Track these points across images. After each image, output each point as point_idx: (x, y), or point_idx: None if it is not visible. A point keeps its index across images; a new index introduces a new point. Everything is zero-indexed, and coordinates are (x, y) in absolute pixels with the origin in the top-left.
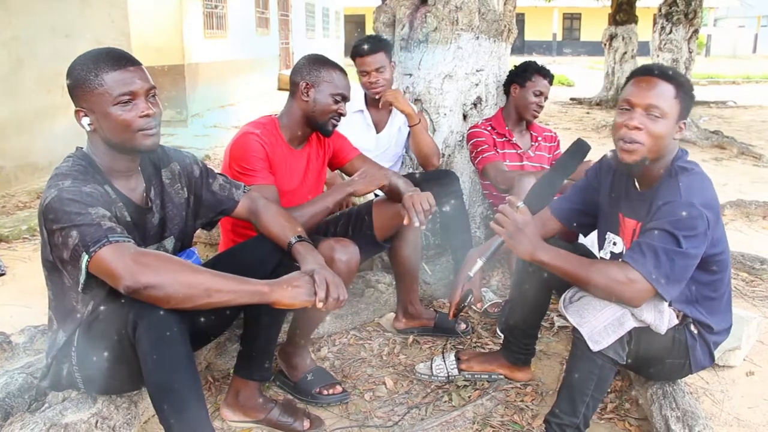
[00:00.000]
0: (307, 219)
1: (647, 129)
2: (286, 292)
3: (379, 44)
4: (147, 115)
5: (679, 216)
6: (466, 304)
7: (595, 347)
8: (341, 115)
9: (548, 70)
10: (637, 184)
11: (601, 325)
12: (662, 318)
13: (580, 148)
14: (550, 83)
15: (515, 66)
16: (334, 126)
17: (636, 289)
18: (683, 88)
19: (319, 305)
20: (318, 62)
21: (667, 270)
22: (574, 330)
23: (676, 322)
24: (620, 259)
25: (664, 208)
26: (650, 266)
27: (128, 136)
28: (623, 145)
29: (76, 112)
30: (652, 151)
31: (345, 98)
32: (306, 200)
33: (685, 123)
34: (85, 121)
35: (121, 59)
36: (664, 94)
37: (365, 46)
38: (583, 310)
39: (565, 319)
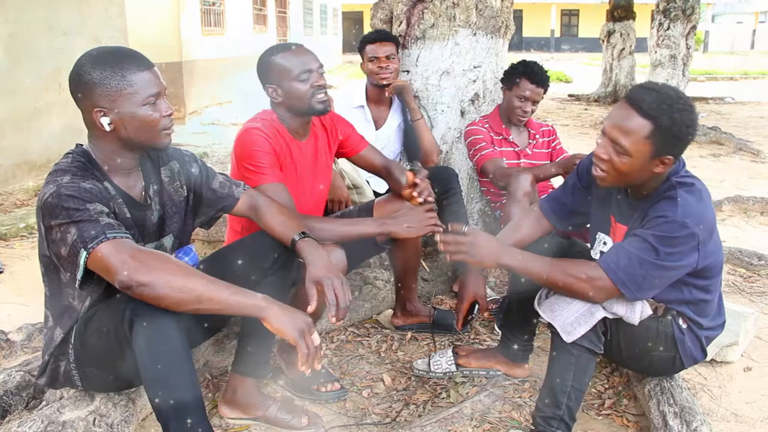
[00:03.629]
0: (337, 239)
1: (611, 161)
2: (281, 317)
3: (390, 36)
4: (170, 115)
5: (667, 232)
6: (473, 315)
7: (568, 338)
8: (320, 87)
9: (538, 73)
10: (629, 194)
11: (572, 316)
12: (633, 310)
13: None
14: (542, 86)
15: (511, 64)
16: (323, 101)
17: (597, 286)
18: (663, 127)
19: (332, 321)
20: (265, 62)
21: (639, 278)
22: (549, 325)
23: (650, 312)
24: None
25: (656, 220)
26: (620, 271)
27: (152, 134)
28: (593, 169)
29: (95, 111)
30: (618, 180)
31: (311, 70)
32: (315, 190)
33: (669, 159)
34: (105, 120)
35: (143, 60)
36: (633, 131)
37: (378, 35)
38: (554, 305)
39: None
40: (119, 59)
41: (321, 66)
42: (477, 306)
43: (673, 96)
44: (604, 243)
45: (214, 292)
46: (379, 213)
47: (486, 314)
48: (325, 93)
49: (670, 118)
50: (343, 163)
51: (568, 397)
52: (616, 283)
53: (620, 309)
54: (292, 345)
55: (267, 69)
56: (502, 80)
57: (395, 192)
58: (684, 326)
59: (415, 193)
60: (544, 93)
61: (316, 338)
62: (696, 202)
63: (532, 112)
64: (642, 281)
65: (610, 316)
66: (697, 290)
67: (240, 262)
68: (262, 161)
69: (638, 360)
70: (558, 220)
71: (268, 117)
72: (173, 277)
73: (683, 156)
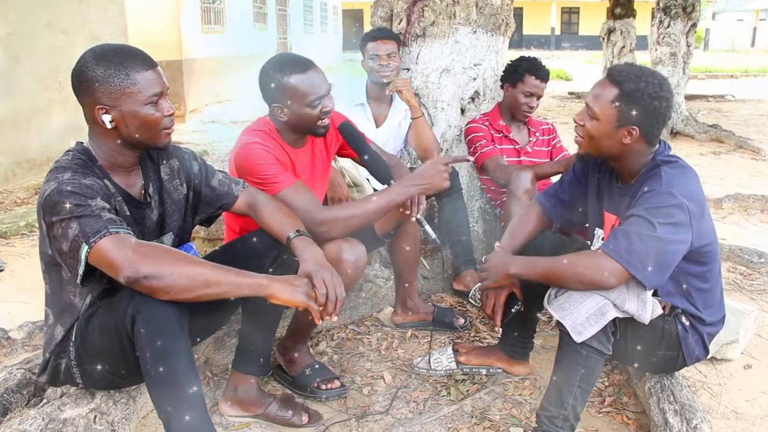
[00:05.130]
0: (367, 218)
1: (585, 126)
2: (284, 287)
3: (392, 34)
4: (171, 114)
5: (656, 203)
6: (516, 308)
7: (578, 338)
8: (328, 112)
9: (541, 68)
10: (618, 179)
11: (583, 316)
12: (645, 308)
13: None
14: (545, 80)
15: (510, 62)
16: (325, 126)
17: (606, 270)
18: (627, 94)
19: (319, 309)
20: (274, 80)
21: (641, 254)
22: (558, 323)
23: (660, 311)
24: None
25: (644, 195)
26: (622, 250)
27: (153, 134)
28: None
29: (97, 109)
30: (591, 147)
31: (322, 97)
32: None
33: (633, 129)
34: (107, 118)
35: (147, 59)
36: (601, 96)
37: (380, 32)
38: (565, 303)
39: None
40: (124, 57)
41: (330, 87)
42: (519, 303)
43: (646, 71)
44: (602, 239)
45: (221, 276)
46: None
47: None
48: (329, 117)
49: (634, 84)
50: (343, 161)
51: (574, 398)
52: (622, 263)
53: (632, 307)
54: (291, 342)
55: (276, 89)
56: (502, 78)
57: None
58: (687, 323)
59: (407, 212)
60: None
61: (337, 289)
62: (680, 175)
63: (536, 107)
64: (646, 257)
65: (622, 316)
66: (693, 278)
67: (240, 260)
68: (270, 171)
69: (642, 359)
70: (555, 214)
71: (265, 128)
72: (180, 265)
73: (681, 154)
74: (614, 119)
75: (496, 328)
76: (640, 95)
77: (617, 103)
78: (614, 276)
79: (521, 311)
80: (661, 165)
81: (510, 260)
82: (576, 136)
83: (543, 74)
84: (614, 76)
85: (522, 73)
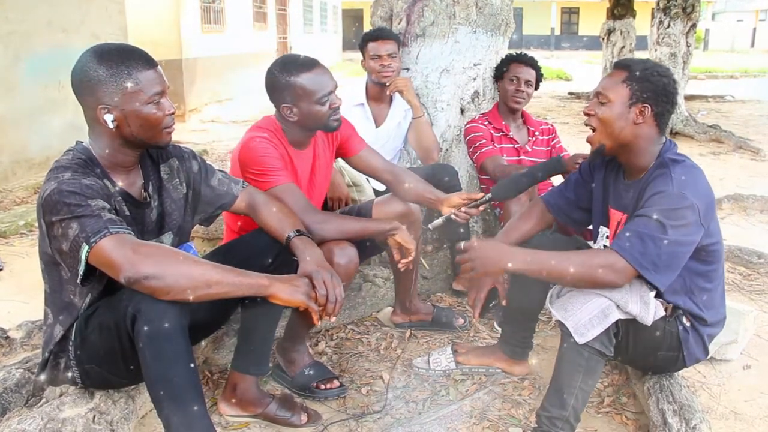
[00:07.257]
0: (335, 234)
1: (597, 114)
2: (285, 287)
3: (392, 34)
4: (172, 113)
5: (669, 205)
6: (494, 303)
7: (580, 339)
8: (337, 108)
9: (525, 55)
10: (624, 175)
11: (586, 317)
12: (648, 309)
13: (555, 165)
14: (530, 66)
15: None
16: (337, 120)
17: (617, 270)
18: (635, 73)
19: (318, 309)
20: (282, 81)
21: (654, 256)
22: (560, 324)
23: (663, 313)
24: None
25: (655, 197)
26: (635, 252)
27: (155, 132)
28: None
29: (99, 109)
30: (604, 135)
31: (329, 93)
32: (313, 197)
33: (645, 107)
34: (109, 117)
35: (148, 58)
36: (612, 80)
37: (380, 32)
38: (567, 304)
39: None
40: (125, 57)
41: (336, 84)
42: (497, 300)
43: (651, 60)
44: (607, 236)
45: (222, 276)
46: (379, 213)
47: (504, 301)
48: (339, 112)
49: (643, 65)
50: (343, 161)
51: (575, 399)
52: (633, 264)
53: (635, 308)
54: (290, 342)
55: (284, 89)
56: (494, 77)
57: (398, 196)
58: (688, 324)
59: (464, 209)
60: (538, 81)
61: (337, 290)
62: (690, 176)
63: (529, 96)
64: (657, 260)
65: (624, 317)
66: (698, 277)
67: (240, 259)
68: (271, 165)
69: (642, 359)
70: (560, 213)
71: (272, 127)
72: (181, 265)
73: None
74: (626, 98)
75: (474, 320)
76: (649, 73)
77: (628, 82)
78: (624, 276)
79: (520, 310)
80: (670, 164)
81: (507, 254)
82: (588, 135)
83: (526, 59)
84: (622, 63)
85: (506, 63)
